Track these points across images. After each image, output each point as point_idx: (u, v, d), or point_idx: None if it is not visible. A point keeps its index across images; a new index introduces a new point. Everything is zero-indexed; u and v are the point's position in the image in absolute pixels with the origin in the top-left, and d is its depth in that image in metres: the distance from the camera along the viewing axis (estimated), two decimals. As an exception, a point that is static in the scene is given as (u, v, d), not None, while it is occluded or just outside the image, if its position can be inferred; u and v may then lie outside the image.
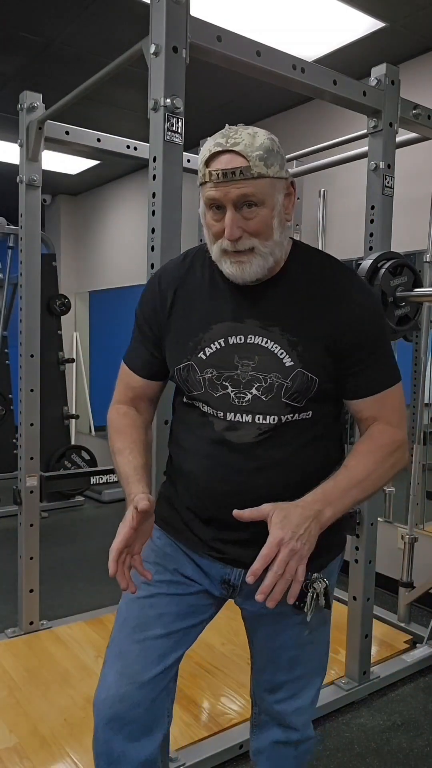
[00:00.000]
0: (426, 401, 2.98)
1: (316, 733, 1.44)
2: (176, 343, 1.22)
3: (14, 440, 4.47)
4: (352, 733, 2.09)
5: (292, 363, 1.14)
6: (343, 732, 2.09)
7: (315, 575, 1.19)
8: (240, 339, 1.17)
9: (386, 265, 1.97)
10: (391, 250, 2.10)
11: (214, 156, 1.09)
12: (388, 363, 1.20)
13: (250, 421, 1.16)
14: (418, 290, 2.06)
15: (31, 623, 2.64)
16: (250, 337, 1.16)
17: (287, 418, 1.16)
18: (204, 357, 1.18)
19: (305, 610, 1.16)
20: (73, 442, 5.31)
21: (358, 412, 1.21)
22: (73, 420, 5.25)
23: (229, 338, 1.17)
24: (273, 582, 1.02)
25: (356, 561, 2.25)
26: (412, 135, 2.47)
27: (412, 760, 1.97)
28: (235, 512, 1.07)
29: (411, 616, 2.78)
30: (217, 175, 1.07)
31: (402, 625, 2.74)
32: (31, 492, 2.58)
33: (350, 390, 1.20)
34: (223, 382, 1.16)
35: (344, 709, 2.21)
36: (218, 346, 1.17)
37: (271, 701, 1.36)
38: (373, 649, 2.39)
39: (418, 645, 2.60)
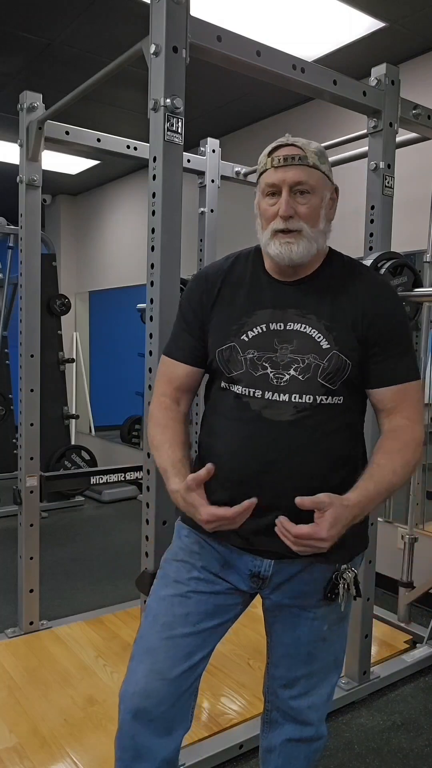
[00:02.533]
0: (426, 401, 2.98)
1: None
2: (220, 326, 1.30)
3: (14, 440, 4.47)
4: (352, 733, 2.09)
5: (328, 345, 1.23)
6: (343, 732, 2.09)
7: (344, 566, 1.29)
8: (280, 326, 1.25)
9: (386, 265, 1.97)
10: (391, 250, 2.10)
11: (276, 148, 1.26)
12: (410, 359, 1.29)
13: (287, 400, 1.22)
14: (418, 290, 2.06)
15: (31, 623, 2.64)
16: (290, 324, 1.25)
17: (321, 400, 1.23)
18: (246, 339, 1.26)
19: (338, 600, 1.26)
20: (73, 442, 5.31)
21: (380, 402, 1.28)
22: (73, 420, 5.25)
23: (270, 324, 1.26)
24: (291, 542, 1.13)
25: (356, 561, 2.24)
26: (412, 135, 2.47)
27: (412, 760, 1.97)
28: (297, 500, 1.12)
29: (411, 616, 2.78)
30: (278, 159, 1.23)
31: (402, 625, 2.74)
32: (31, 492, 2.58)
33: (375, 378, 1.27)
34: (263, 363, 1.24)
35: (344, 709, 2.21)
36: (260, 330, 1.26)
37: (285, 697, 1.37)
38: (373, 649, 2.39)
39: (418, 645, 2.60)
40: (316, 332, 1.24)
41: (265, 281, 1.31)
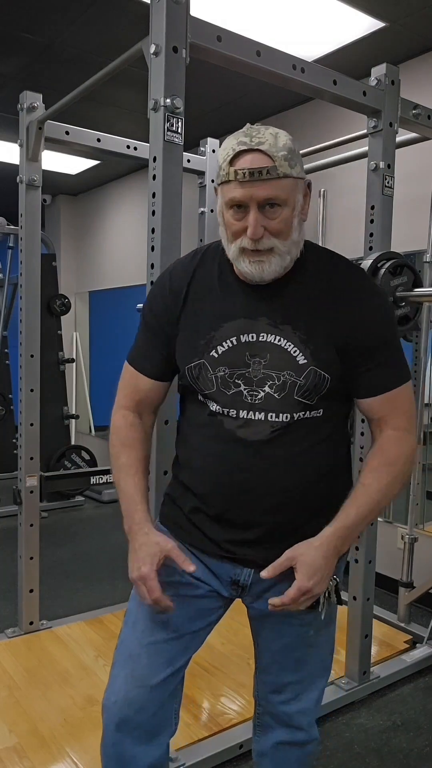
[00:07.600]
0: (426, 401, 2.98)
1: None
2: (187, 341, 1.21)
3: (14, 440, 4.47)
4: (352, 733, 2.09)
5: (305, 361, 1.14)
6: (343, 732, 2.09)
7: None
8: (252, 337, 1.16)
9: (386, 265, 1.97)
10: (391, 250, 2.10)
11: (239, 155, 1.07)
12: (397, 362, 1.21)
13: (263, 418, 1.16)
14: (418, 290, 2.06)
15: (31, 623, 2.64)
16: (262, 335, 1.16)
17: (299, 416, 1.16)
18: (216, 355, 1.17)
19: (319, 609, 1.20)
20: (73, 442, 5.31)
21: (369, 411, 1.21)
22: (73, 420, 5.25)
23: (241, 336, 1.16)
24: (286, 606, 1.10)
25: (356, 561, 2.24)
26: (412, 135, 2.47)
27: (412, 760, 1.97)
28: (263, 573, 1.11)
29: (411, 616, 2.78)
30: (243, 174, 1.06)
31: (402, 625, 2.74)
32: (31, 492, 2.58)
33: (361, 389, 1.20)
34: (236, 380, 1.16)
35: (344, 709, 2.21)
36: (230, 345, 1.17)
37: (275, 702, 1.36)
38: (373, 649, 2.39)
39: (418, 645, 2.60)
40: (292, 345, 1.14)
41: (234, 286, 1.20)
